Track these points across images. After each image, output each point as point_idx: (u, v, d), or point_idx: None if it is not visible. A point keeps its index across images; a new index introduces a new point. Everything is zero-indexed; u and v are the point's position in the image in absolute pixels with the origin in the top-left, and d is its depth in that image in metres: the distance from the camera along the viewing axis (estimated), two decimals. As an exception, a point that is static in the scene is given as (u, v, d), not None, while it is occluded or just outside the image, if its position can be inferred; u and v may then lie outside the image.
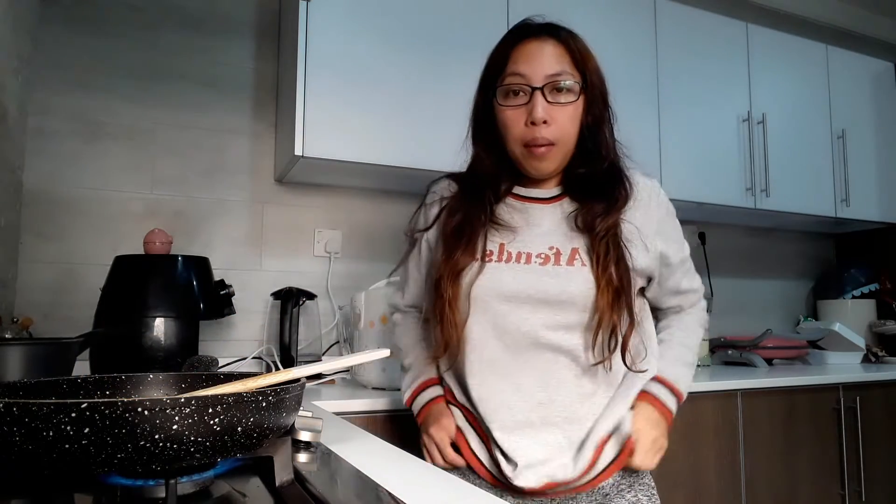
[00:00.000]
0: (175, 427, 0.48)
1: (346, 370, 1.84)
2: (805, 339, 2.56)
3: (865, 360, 2.60)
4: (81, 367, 1.28)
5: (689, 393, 1.77)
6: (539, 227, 1.03)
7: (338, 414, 1.26)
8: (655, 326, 1.12)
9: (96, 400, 0.47)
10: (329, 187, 2.12)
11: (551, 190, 1.05)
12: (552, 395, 0.99)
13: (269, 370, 1.85)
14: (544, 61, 0.97)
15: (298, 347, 1.88)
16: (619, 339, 0.96)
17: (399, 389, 1.23)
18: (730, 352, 2.48)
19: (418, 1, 1.92)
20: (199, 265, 1.63)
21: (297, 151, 1.73)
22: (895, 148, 2.86)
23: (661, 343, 1.10)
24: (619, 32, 2.25)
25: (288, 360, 1.83)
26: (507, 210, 1.05)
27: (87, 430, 0.46)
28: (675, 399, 1.04)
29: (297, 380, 0.65)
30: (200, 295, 1.59)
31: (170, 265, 1.58)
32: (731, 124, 2.46)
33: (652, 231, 1.02)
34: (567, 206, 1.03)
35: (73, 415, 0.46)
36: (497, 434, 1.00)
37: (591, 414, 1.00)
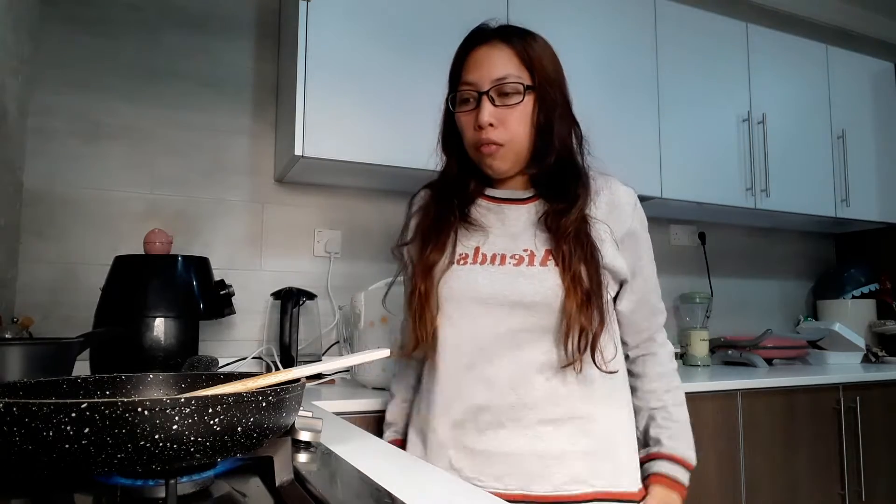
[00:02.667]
0: (175, 427, 0.48)
1: (346, 370, 1.84)
2: (805, 339, 2.56)
3: (865, 360, 2.60)
4: (81, 367, 1.28)
5: (690, 393, 1.78)
6: (513, 227, 1.03)
7: (338, 414, 1.26)
8: (631, 371, 1.12)
9: (96, 400, 0.47)
10: (329, 187, 2.12)
11: (525, 191, 1.06)
12: (524, 398, 0.97)
13: (269, 370, 1.85)
14: (491, 67, 0.99)
15: (298, 347, 1.88)
16: (589, 340, 0.95)
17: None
18: (730, 352, 2.48)
19: (418, 1, 1.92)
20: (199, 265, 1.63)
21: (297, 151, 1.73)
22: (895, 148, 2.86)
23: (655, 410, 1.09)
24: (619, 32, 2.25)
25: (288, 360, 1.83)
26: (481, 211, 1.07)
27: (87, 430, 0.46)
28: (687, 473, 1.09)
29: (297, 380, 0.65)
30: (200, 295, 1.59)
31: (170, 265, 1.58)
32: (731, 124, 2.46)
33: (624, 235, 1.04)
34: (539, 207, 1.04)
35: (73, 415, 0.46)
36: (468, 438, 0.99)
37: (565, 416, 0.97)
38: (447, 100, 1.07)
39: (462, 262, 1.02)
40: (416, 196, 1.17)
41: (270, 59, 2.08)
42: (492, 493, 0.91)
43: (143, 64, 1.92)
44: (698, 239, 2.78)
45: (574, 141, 1.05)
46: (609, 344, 1.01)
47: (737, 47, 2.51)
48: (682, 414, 1.11)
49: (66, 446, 0.47)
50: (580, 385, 0.99)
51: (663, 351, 1.12)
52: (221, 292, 1.66)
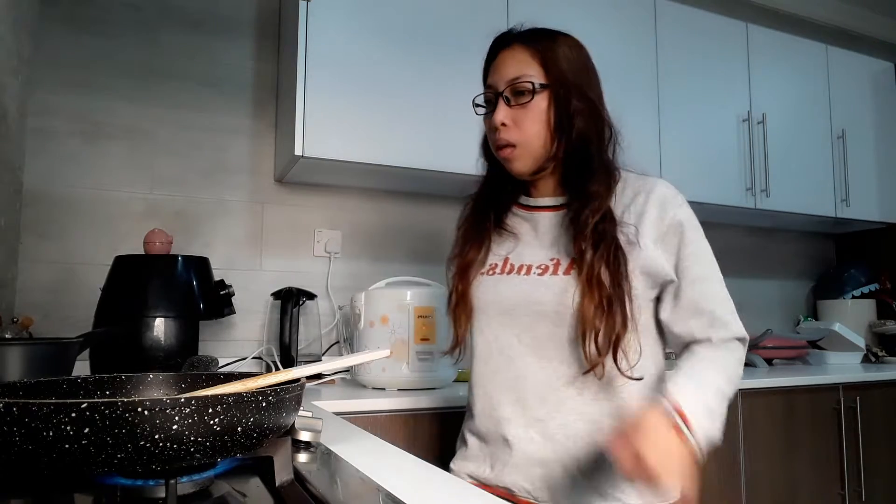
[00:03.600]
0: (175, 427, 0.48)
1: (346, 370, 1.84)
2: (805, 339, 2.56)
3: (865, 360, 2.60)
4: (81, 367, 1.28)
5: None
6: (545, 236, 1.03)
7: (338, 414, 1.26)
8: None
9: (96, 400, 0.47)
10: (329, 187, 2.12)
11: (556, 198, 1.04)
12: (552, 412, 0.96)
13: (269, 370, 1.85)
14: (507, 68, 1.00)
15: (298, 347, 1.88)
16: (610, 342, 0.90)
17: (401, 389, 1.23)
18: (730, 352, 2.48)
19: (418, 1, 1.92)
20: (199, 265, 1.63)
21: (297, 151, 1.73)
22: (895, 148, 2.86)
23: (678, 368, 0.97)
24: (619, 32, 2.25)
25: (288, 360, 1.83)
26: (515, 220, 1.08)
27: (87, 430, 0.46)
28: (689, 435, 0.86)
29: (297, 380, 0.65)
30: (200, 295, 1.59)
31: (170, 265, 1.58)
32: (731, 124, 2.46)
33: (664, 233, 0.97)
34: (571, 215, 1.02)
35: (73, 415, 0.46)
36: (498, 449, 1.00)
37: (594, 431, 0.95)
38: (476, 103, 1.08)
39: (491, 272, 1.04)
40: (464, 207, 1.16)
41: (270, 59, 2.08)
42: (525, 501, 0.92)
43: (143, 64, 1.92)
44: (698, 239, 2.78)
45: (603, 140, 1.03)
46: (634, 347, 0.95)
47: (737, 47, 2.51)
48: (721, 381, 0.94)
49: (66, 446, 0.47)
50: (609, 399, 0.96)
51: (726, 345, 1.00)
52: (221, 292, 1.66)
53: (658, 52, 2.30)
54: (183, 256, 1.61)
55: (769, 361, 2.41)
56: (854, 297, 2.89)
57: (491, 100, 1.02)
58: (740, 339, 1.02)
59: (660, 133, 2.28)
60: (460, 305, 1.04)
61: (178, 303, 1.53)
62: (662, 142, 2.28)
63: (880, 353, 2.67)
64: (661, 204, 0.98)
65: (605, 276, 0.92)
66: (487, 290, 1.03)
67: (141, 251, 1.64)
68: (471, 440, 1.07)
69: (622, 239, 0.95)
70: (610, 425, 0.95)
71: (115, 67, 1.89)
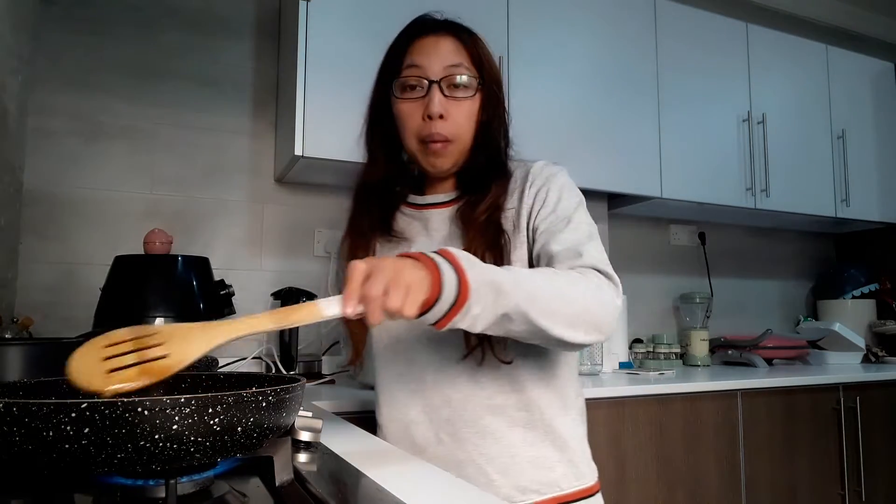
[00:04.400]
0: (175, 427, 0.48)
1: (347, 370, 1.84)
2: (805, 339, 2.56)
3: (865, 360, 2.60)
4: (81, 367, 1.28)
5: (690, 393, 1.79)
6: (437, 232, 1.00)
7: (338, 414, 1.26)
8: None
9: (96, 400, 0.47)
10: (329, 187, 2.11)
11: (448, 194, 1.02)
12: (459, 411, 0.94)
13: (269, 370, 1.85)
14: (442, 54, 0.94)
15: (298, 347, 1.88)
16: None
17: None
18: (730, 352, 2.48)
19: (418, 1, 1.91)
20: (199, 265, 1.63)
21: (297, 151, 1.73)
22: (895, 148, 2.86)
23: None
24: (619, 32, 2.25)
25: (288, 360, 1.83)
26: (404, 220, 1.03)
27: (87, 430, 0.46)
28: (445, 260, 0.72)
29: (297, 380, 0.65)
30: (200, 295, 1.59)
31: (170, 265, 1.58)
32: (731, 124, 2.46)
33: (534, 201, 0.95)
34: (460, 206, 1.00)
35: (73, 415, 0.46)
36: (412, 449, 0.97)
37: (503, 427, 0.94)
38: (379, 87, 1.01)
39: None
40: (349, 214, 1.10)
41: (270, 59, 2.08)
42: None
43: (143, 64, 1.92)
44: (698, 239, 2.78)
45: (504, 143, 1.02)
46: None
47: (737, 47, 2.51)
48: (542, 275, 0.81)
49: (66, 446, 0.47)
50: (517, 390, 0.94)
51: (573, 268, 0.87)
52: (221, 292, 1.66)
53: (658, 52, 2.31)
54: (183, 256, 1.61)
55: (769, 361, 2.41)
56: (854, 297, 2.89)
57: (418, 85, 0.94)
58: (594, 267, 0.87)
59: (660, 133, 2.28)
60: (350, 327, 1.00)
61: (178, 303, 1.53)
62: (662, 142, 2.28)
63: (880, 353, 2.67)
64: (533, 180, 0.97)
65: (488, 260, 0.89)
66: None
67: (141, 251, 1.64)
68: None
69: (506, 225, 0.94)
70: (518, 416, 0.94)
71: (115, 67, 1.89)
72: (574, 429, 0.98)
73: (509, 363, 0.93)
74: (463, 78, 0.94)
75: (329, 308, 0.66)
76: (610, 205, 2.48)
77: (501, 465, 0.93)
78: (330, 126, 1.77)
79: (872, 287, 2.89)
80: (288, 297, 1.86)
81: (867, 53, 2.92)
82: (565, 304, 0.79)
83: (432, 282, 0.69)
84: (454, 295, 0.70)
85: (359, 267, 0.66)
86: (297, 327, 1.85)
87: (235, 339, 0.64)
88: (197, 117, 1.98)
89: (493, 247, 0.92)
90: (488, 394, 0.94)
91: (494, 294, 0.73)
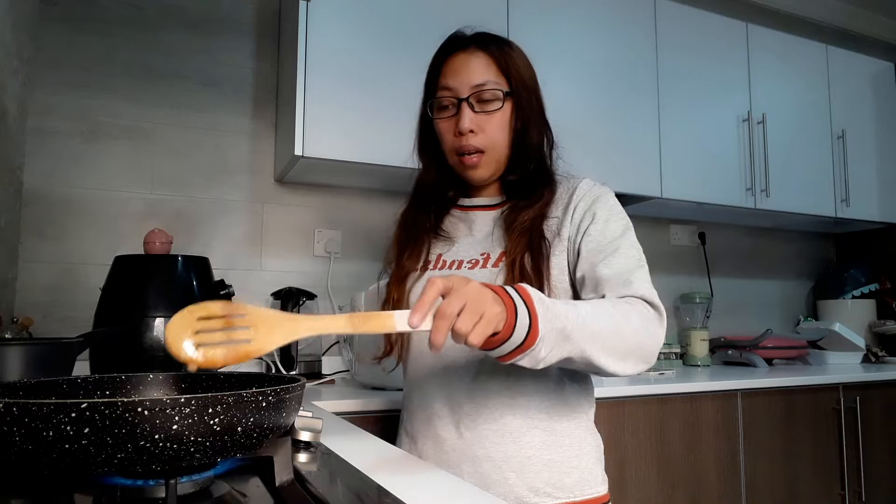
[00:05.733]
0: (175, 427, 0.48)
1: (346, 370, 1.84)
2: (805, 339, 2.56)
3: (865, 360, 2.60)
4: (81, 367, 1.28)
5: (690, 393, 1.79)
6: (479, 232, 1.04)
7: (338, 414, 1.26)
8: None
9: (96, 400, 0.47)
10: (329, 187, 2.12)
11: (494, 198, 1.07)
12: (481, 408, 0.96)
13: (268, 370, 1.85)
14: (470, 73, 0.99)
15: (298, 347, 1.88)
16: None
17: (400, 388, 1.23)
18: (730, 352, 2.48)
19: (418, 1, 1.92)
20: (199, 265, 1.63)
21: (297, 151, 1.74)
22: (895, 148, 2.86)
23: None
24: (619, 32, 2.25)
25: (288, 360, 1.83)
26: (452, 221, 1.09)
27: (87, 430, 0.46)
28: (522, 300, 0.74)
29: (297, 380, 0.65)
30: (200, 295, 1.59)
31: (170, 265, 1.58)
32: (731, 124, 2.46)
33: (581, 219, 0.98)
34: (506, 209, 1.04)
35: (73, 415, 0.46)
36: (433, 444, 1.00)
37: (523, 428, 0.95)
38: (424, 106, 1.07)
39: (423, 270, 1.04)
40: (401, 213, 1.16)
41: (270, 59, 2.08)
42: None
43: (143, 64, 1.92)
44: (698, 239, 2.78)
45: (546, 145, 1.06)
46: None
47: (737, 47, 2.51)
48: (599, 310, 0.83)
49: (66, 446, 0.47)
50: (539, 393, 0.96)
51: (623, 300, 0.89)
52: (221, 292, 1.66)
53: (658, 52, 2.31)
54: (183, 256, 1.61)
55: (769, 361, 2.41)
56: (854, 297, 2.89)
57: (450, 104, 1.01)
58: (643, 299, 0.90)
59: (660, 133, 2.28)
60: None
61: (178, 303, 1.52)
62: (662, 142, 2.28)
63: (880, 353, 2.67)
64: (582, 196, 1.00)
65: (527, 262, 0.94)
66: (417, 288, 1.03)
67: (141, 251, 1.64)
68: (405, 441, 1.07)
69: (548, 233, 0.98)
70: (540, 419, 0.96)
71: (115, 67, 1.89)
72: (591, 438, 1.01)
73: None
74: (490, 92, 0.99)
75: (402, 323, 0.68)
76: (610, 205, 2.48)
77: (517, 465, 0.95)
78: (330, 126, 1.77)
79: (872, 287, 2.89)
80: (288, 297, 1.86)
81: (867, 53, 2.93)
82: (621, 340, 0.83)
83: (507, 320, 0.72)
84: (523, 338, 0.73)
85: (437, 283, 0.68)
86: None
87: (314, 335, 0.67)
88: (197, 117, 1.98)
89: (532, 250, 0.95)
90: (512, 394, 0.96)
91: (561, 340, 0.77)
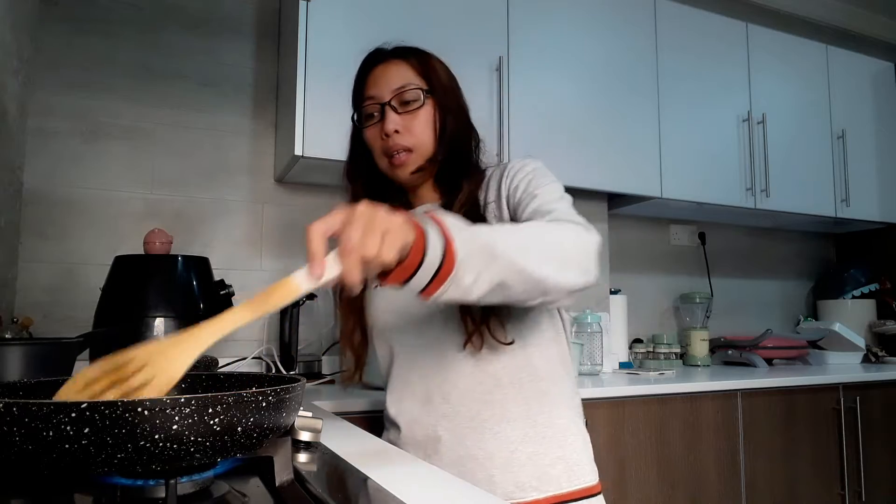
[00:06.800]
0: (175, 427, 0.48)
1: (347, 371, 1.84)
2: (805, 339, 2.56)
3: (865, 360, 2.60)
4: (81, 367, 1.28)
5: (690, 393, 1.79)
6: None
7: (338, 414, 1.26)
8: None
9: (96, 400, 0.47)
10: (329, 187, 2.11)
11: (433, 203, 1.07)
12: (458, 407, 0.97)
13: (269, 370, 1.85)
14: (389, 79, 1.03)
15: (298, 347, 1.88)
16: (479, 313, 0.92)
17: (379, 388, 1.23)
18: (730, 352, 2.48)
19: (418, 1, 1.92)
20: (199, 265, 1.63)
21: (297, 151, 1.73)
22: (895, 148, 2.86)
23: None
24: (619, 32, 2.25)
25: (288, 360, 1.83)
26: None
27: (87, 430, 0.46)
28: (439, 239, 0.68)
29: (297, 380, 0.65)
30: (200, 295, 1.59)
31: (170, 265, 1.58)
32: (731, 124, 2.46)
33: (511, 190, 1.00)
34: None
35: (73, 415, 0.46)
36: (411, 451, 1.00)
37: (502, 423, 0.95)
38: (352, 120, 1.09)
39: (377, 286, 1.00)
40: None
41: (270, 59, 2.08)
42: None
43: (143, 64, 1.92)
44: (698, 239, 2.78)
45: (473, 144, 1.08)
46: (506, 311, 0.95)
47: (737, 47, 2.51)
48: (526, 226, 0.84)
49: (66, 446, 0.47)
50: (514, 384, 0.97)
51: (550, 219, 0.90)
52: (221, 292, 1.66)
53: (658, 53, 2.31)
54: (183, 256, 1.61)
55: (769, 361, 2.41)
56: (854, 297, 2.89)
57: (374, 112, 1.03)
58: (569, 220, 0.87)
59: (660, 133, 2.28)
60: (356, 332, 1.06)
61: (178, 303, 1.53)
62: (662, 142, 2.28)
63: (880, 353, 2.67)
64: (510, 172, 1.02)
65: None
66: (378, 303, 1.05)
67: (141, 251, 1.64)
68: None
69: (489, 218, 0.99)
70: (515, 412, 0.96)
71: (115, 67, 1.89)
72: (572, 427, 1.00)
73: (510, 343, 0.96)
74: (410, 93, 1.02)
75: (305, 281, 0.61)
76: (610, 205, 2.48)
77: (501, 461, 0.94)
78: (330, 126, 1.77)
79: (872, 287, 2.89)
80: (288, 297, 1.86)
81: (867, 53, 2.92)
82: (554, 247, 0.79)
83: (415, 242, 0.65)
84: (439, 261, 0.66)
85: (317, 226, 0.61)
86: (298, 326, 1.85)
87: (220, 337, 0.60)
88: (197, 117, 1.98)
89: None
90: (487, 388, 0.96)
91: (487, 259, 0.70)
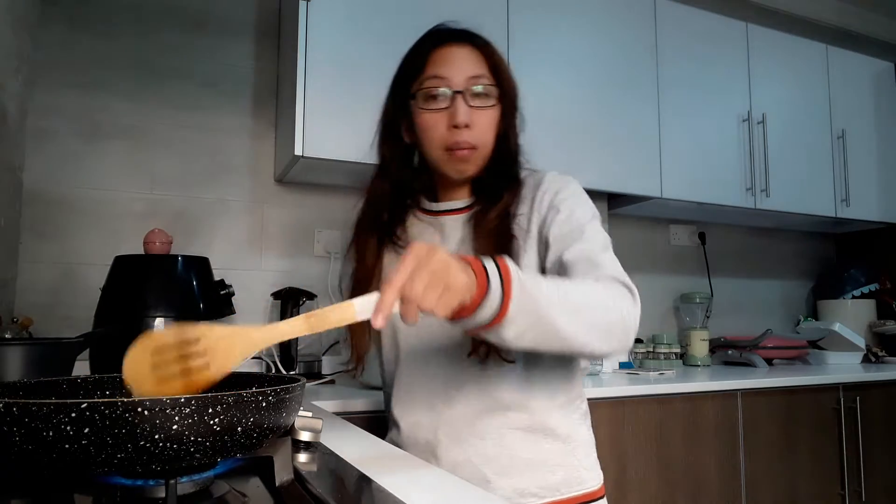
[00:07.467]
0: (175, 427, 0.48)
1: (347, 371, 1.84)
2: (805, 339, 2.56)
3: (865, 360, 2.60)
4: (81, 367, 1.28)
5: (690, 393, 1.79)
6: (451, 239, 1.01)
7: (338, 414, 1.26)
8: None
9: (96, 400, 0.47)
10: (329, 187, 2.11)
11: (463, 200, 1.03)
12: (460, 411, 0.95)
13: (268, 370, 1.85)
14: (464, 64, 0.96)
15: (298, 347, 1.88)
16: None
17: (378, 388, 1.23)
18: (730, 352, 2.48)
19: (418, 1, 1.92)
20: (199, 265, 1.63)
21: (297, 151, 1.73)
22: (895, 148, 2.86)
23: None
24: (619, 33, 2.25)
25: (288, 360, 1.83)
26: (420, 225, 1.05)
27: (87, 430, 0.46)
28: (497, 270, 0.71)
29: (297, 380, 0.65)
30: (200, 295, 1.59)
31: (170, 265, 1.58)
32: (731, 124, 2.46)
33: (547, 210, 0.96)
34: (475, 213, 1.02)
35: (73, 415, 0.46)
36: (413, 453, 0.99)
37: (503, 429, 0.94)
38: (398, 96, 1.01)
39: None
40: (359, 212, 1.11)
41: (270, 59, 2.08)
42: None
43: (143, 64, 1.92)
44: (698, 239, 2.78)
45: (519, 151, 1.04)
46: None
47: (737, 47, 2.51)
48: (580, 288, 0.81)
49: (66, 446, 0.47)
50: (517, 391, 0.95)
51: (597, 278, 0.86)
52: (221, 292, 1.66)
53: (658, 53, 2.30)
54: (183, 256, 1.61)
55: (769, 361, 2.41)
56: (854, 297, 2.89)
57: (440, 95, 0.95)
58: (617, 279, 0.86)
59: (660, 133, 2.28)
60: (364, 330, 1.02)
61: (178, 303, 1.53)
62: (662, 142, 2.28)
63: (880, 353, 2.67)
64: (546, 189, 0.98)
65: None
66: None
67: (141, 251, 1.64)
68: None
69: (517, 231, 0.96)
70: (519, 420, 0.94)
71: (115, 67, 1.89)
72: (576, 432, 0.99)
73: (512, 362, 0.94)
74: (486, 87, 0.96)
75: (364, 311, 0.64)
76: (610, 205, 2.48)
77: (499, 467, 0.94)
78: (330, 126, 1.77)
79: (872, 287, 2.89)
80: (288, 297, 1.86)
81: (867, 53, 2.92)
82: (601, 320, 0.79)
83: (475, 295, 0.68)
84: (489, 318, 0.69)
85: (394, 285, 0.63)
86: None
87: (273, 343, 0.65)
88: (197, 117, 1.98)
89: (502, 251, 0.92)
90: (489, 394, 0.95)
91: (534, 322, 0.72)
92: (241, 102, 2.04)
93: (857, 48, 2.96)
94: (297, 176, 1.99)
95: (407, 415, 1.01)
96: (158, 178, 1.92)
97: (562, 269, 0.90)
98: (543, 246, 0.95)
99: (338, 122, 1.78)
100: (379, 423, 1.42)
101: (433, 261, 0.64)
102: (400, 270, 0.63)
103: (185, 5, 1.99)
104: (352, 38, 1.82)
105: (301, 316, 0.64)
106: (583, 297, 0.79)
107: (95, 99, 1.86)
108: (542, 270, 0.96)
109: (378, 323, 0.63)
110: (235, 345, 0.63)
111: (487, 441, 0.94)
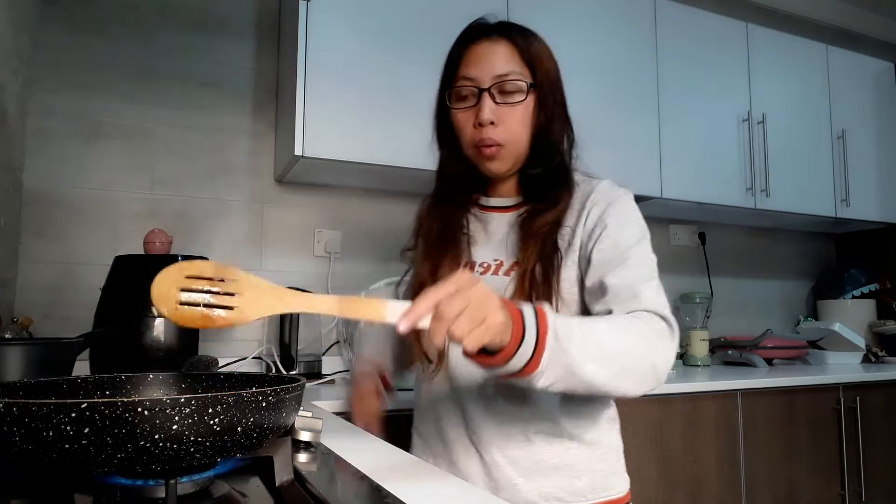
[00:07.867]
0: (175, 427, 0.48)
1: (347, 370, 1.84)
2: (805, 339, 2.56)
3: (865, 360, 2.60)
4: (81, 367, 1.28)
5: (690, 393, 1.79)
6: (495, 236, 1.01)
7: (338, 414, 1.26)
8: None
9: (96, 400, 0.47)
10: (329, 187, 2.11)
11: (511, 198, 1.03)
12: (489, 412, 0.95)
13: (268, 370, 1.85)
14: (493, 62, 0.95)
15: (298, 347, 1.88)
16: None
17: (400, 388, 1.23)
18: (730, 352, 2.48)
19: (418, 1, 1.92)
20: (199, 265, 1.63)
21: (297, 151, 1.73)
22: (895, 148, 2.86)
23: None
24: (619, 33, 2.25)
25: (288, 360, 1.83)
26: (472, 221, 1.05)
27: (87, 430, 0.46)
28: (534, 321, 0.70)
29: (297, 380, 0.65)
30: (200, 295, 1.59)
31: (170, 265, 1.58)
32: (731, 124, 2.46)
33: (594, 225, 0.94)
34: (523, 212, 1.01)
35: (73, 415, 0.46)
36: (438, 448, 1.01)
37: (530, 433, 0.94)
38: (442, 95, 1.01)
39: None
40: (424, 203, 1.13)
41: (270, 59, 2.08)
42: None
43: (143, 64, 1.92)
44: (698, 239, 2.78)
45: (566, 143, 1.01)
46: None
47: (737, 47, 2.51)
48: (615, 334, 0.79)
49: (66, 446, 0.47)
50: (549, 397, 0.93)
51: (636, 315, 0.84)
52: (221, 292, 1.66)
53: (658, 52, 2.30)
54: (183, 256, 1.61)
55: (769, 361, 2.41)
56: (854, 297, 2.89)
57: (469, 94, 0.96)
58: (657, 314, 0.85)
59: (660, 133, 2.28)
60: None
61: (178, 303, 1.53)
62: (662, 142, 2.28)
63: (880, 353, 2.67)
64: (596, 201, 0.96)
65: (538, 273, 0.91)
66: None
67: (141, 251, 1.64)
68: (417, 442, 1.08)
69: (561, 242, 0.94)
70: (550, 427, 0.94)
71: (115, 67, 1.89)
72: (603, 438, 0.98)
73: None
74: (512, 84, 0.94)
75: (394, 314, 0.63)
76: (610, 205, 2.48)
77: (525, 470, 0.93)
78: (330, 126, 1.77)
79: (872, 287, 2.89)
80: (288, 297, 1.86)
81: (867, 53, 2.92)
82: (634, 366, 0.79)
83: (508, 346, 0.67)
84: (520, 368, 0.69)
85: (432, 294, 0.62)
86: (298, 326, 1.85)
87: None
88: (197, 117, 1.98)
89: (544, 262, 0.92)
90: (518, 398, 0.94)
91: (566, 373, 0.72)
92: (241, 102, 2.04)
93: (857, 48, 2.96)
94: (297, 176, 1.99)
95: (433, 412, 1.01)
96: (158, 178, 1.92)
97: (601, 292, 0.89)
98: (586, 263, 0.93)
99: (338, 122, 1.78)
100: (379, 424, 1.42)
101: (474, 290, 0.63)
102: (440, 289, 0.63)
103: (185, 5, 1.99)
104: (352, 38, 1.82)
105: (336, 297, 0.64)
106: (616, 346, 0.77)
107: (95, 99, 1.86)
108: (581, 285, 0.94)
109: (401, 327, 0.62)
110: (265, 299, 0.63)
111: (512, 443, 0.94)
